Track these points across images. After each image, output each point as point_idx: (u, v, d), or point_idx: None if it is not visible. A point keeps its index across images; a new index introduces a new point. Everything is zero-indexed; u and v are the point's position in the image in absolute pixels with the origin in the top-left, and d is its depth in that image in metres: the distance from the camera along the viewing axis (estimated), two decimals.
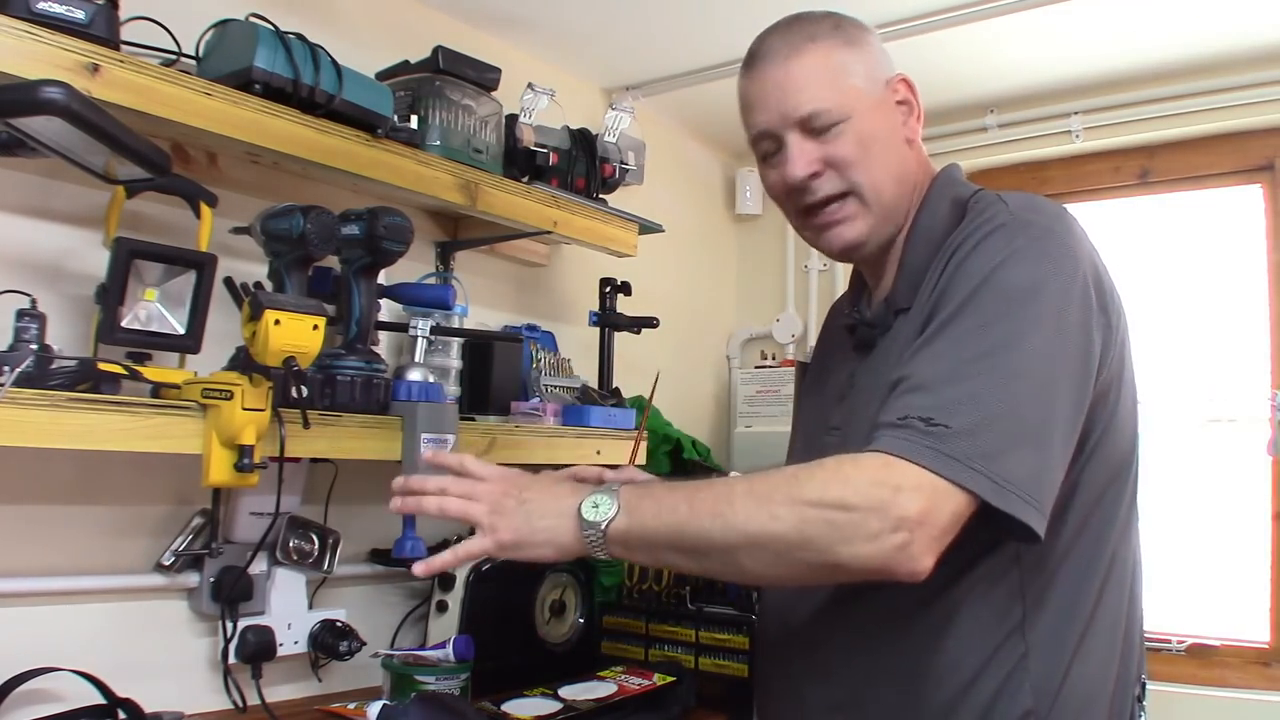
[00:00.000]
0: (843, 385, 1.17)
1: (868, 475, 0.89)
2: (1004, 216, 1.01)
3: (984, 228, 1.01)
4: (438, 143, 1.71)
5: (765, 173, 1.16)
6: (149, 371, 1.34)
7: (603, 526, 0.97)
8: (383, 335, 1.77)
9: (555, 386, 2.03)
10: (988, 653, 0.99)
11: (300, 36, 1.46)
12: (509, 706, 1.54)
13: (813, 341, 2.73)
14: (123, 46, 1.31)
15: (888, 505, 0.87)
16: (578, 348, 2.18)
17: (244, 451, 1.27)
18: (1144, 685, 1.09)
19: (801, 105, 1.09)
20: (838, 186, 1.10)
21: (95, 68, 1.23)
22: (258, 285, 1.39)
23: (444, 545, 1.81)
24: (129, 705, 1.37)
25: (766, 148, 1.14)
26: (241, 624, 1.56)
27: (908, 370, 0.96)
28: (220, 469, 1.27)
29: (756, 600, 1.83)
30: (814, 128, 1.09)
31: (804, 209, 1.13)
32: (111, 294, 1.34)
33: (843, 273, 2.71)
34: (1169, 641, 2.20)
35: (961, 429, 0.89)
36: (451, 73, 1.76)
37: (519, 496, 1.03)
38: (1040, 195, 1.09)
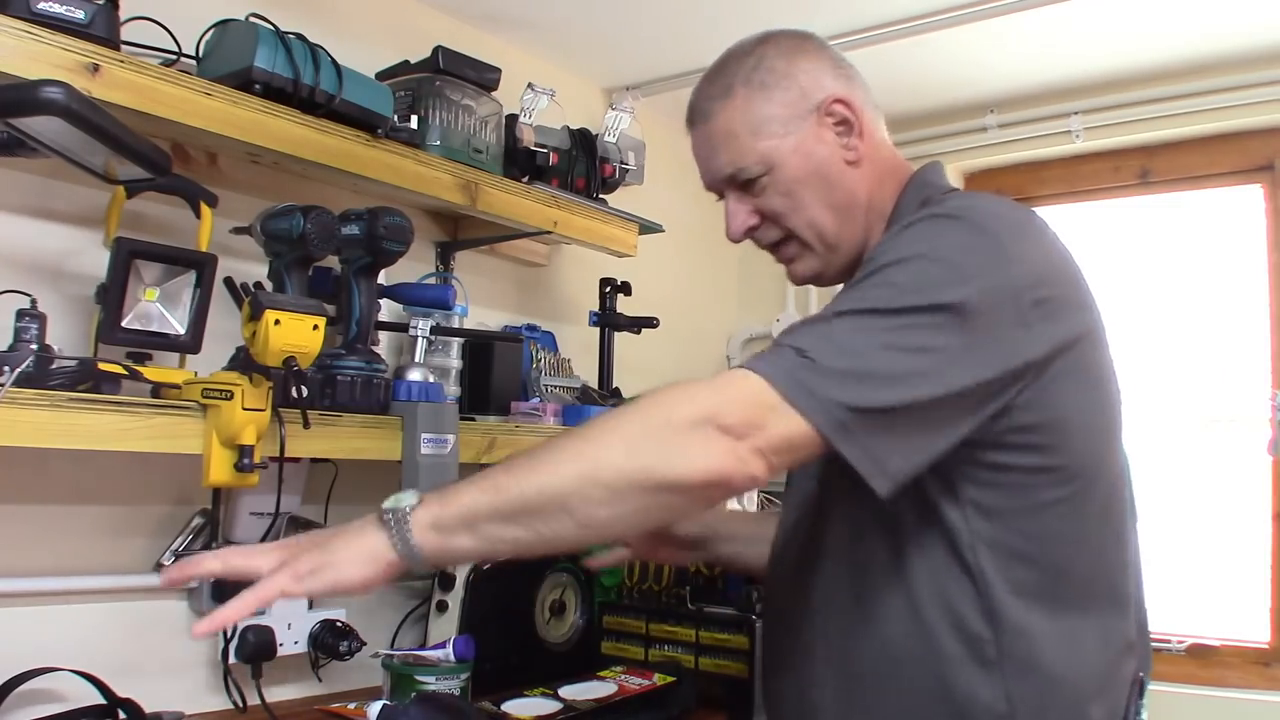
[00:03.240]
0: None
1: (710, 387, 0.91)
2: (943, 209, 1.00)
3: (919, 217, 1.00)
4: (438, 143, 1.71)
5: None
6: (149, 371, 1.34)
7: (407, 511, 0.89)
8: (383, 335, 1.77)
9: (555, 386, 2.03)
10: (954, 645, 0.99)
11: (300, 36, 1.46)
12: (509, 706, 1.54)
13: None
14: (123, 46, 1.31)
15: (719, 411, 0.88)
16: (578, 348, 2.18)
17: (244, 451, 1.27)
18: (1144, 684, 1.08)
19: (722, 168, 1.13)
20: (775, 235, 1.15)
21: (95, 68, 1.23)
22: (258, 285, 1.39)
23: None
24: (129, 705, 1.37)
25: (717, 195, 1.18)
26: (241, 624, 1.55)
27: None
28: (220, 469, 1.27)
29: (757, 600, 1.83)
30: (738, 183, 1.13)
31: (762, 248, 1.19)
32: (111, 294, 1.34)
33: None
34: (1169, 641, 2.20)
35: (827, 368, 0.89)
36: (451, 73, 1.76)
37: (311, 540, 0.93)
38: (996, 197, 1.08)
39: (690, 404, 0.90)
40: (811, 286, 2.75)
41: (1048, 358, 0.96)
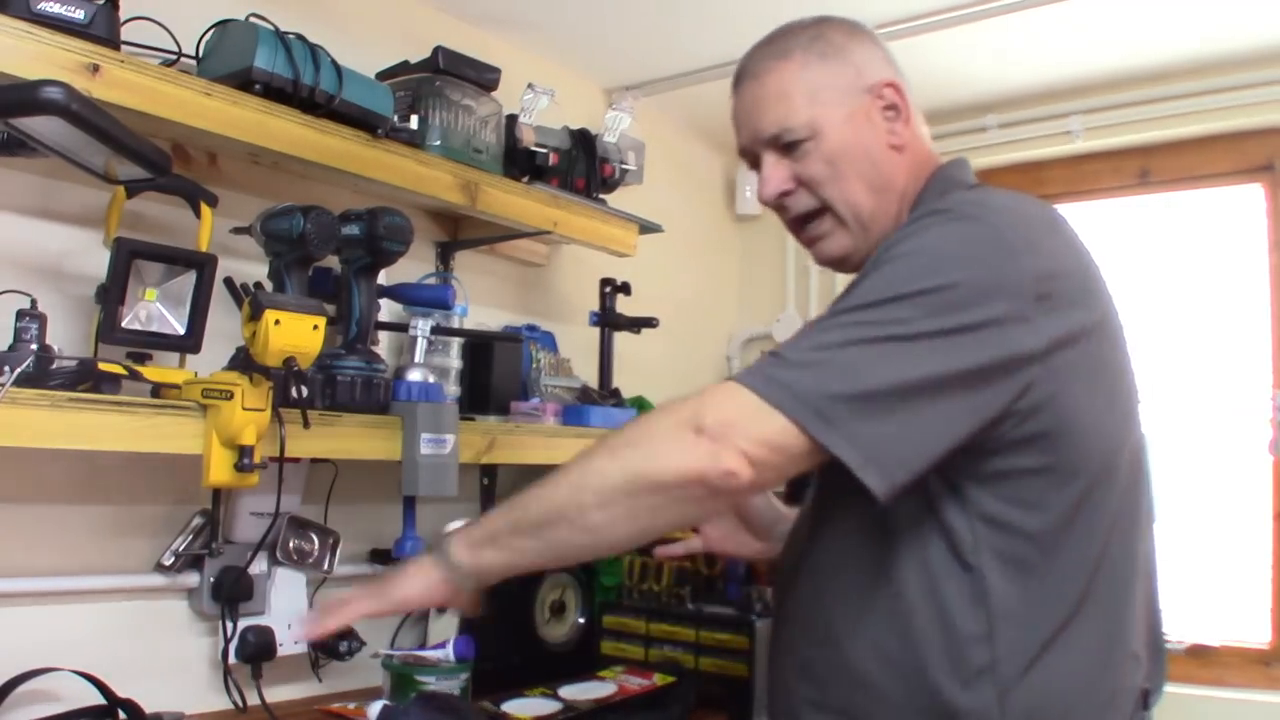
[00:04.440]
0: None
1: (694, 397, 0.95)
2: (944, 205, 1.01)
3: (922, 214, 1.01)
4: (438, 143, 1.71)
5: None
6: (149, 371, 1.34)
7: (447, 533, 1.04)
8: (383, 335, 1.77)
9: (555, 386, 2.03)
10: (946, 652, 0.97)
11: (300, 36, 1.46)
12: (509, 706, 1.54)
13: None
14: (123, 46, 1.31)
15: (697, 414, 0.92)
16: (578, 348, 2.18)
17: (244, 451, 1.27)
18: (1149, 697, 1.06)
19: (767, 127, 1.11)
20: (809, 204, 1.12)
21: (95, 68, 1.23)
22: (258, 285, 1.39)
23: None
24: (129, 705, 1.37)
25: (750, 163, 1.17)
26: (241, 624, 1.55)
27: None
28: (220, 469, 1.27)
29: (757, 599, 1.83)
30: (781, 145, 1.11)
31: (789, 223, 1.17)
32: (111, 294, 1.34)
33: (843, 274, 2.70)
34: (1169, 641, 2.19)
35: (796, 362, 0.92)
36: (451, 73, 1.76)
37: (392, 570, 1.12)
38: (1012, 193, 1.06)
39: (672, 412, 0.95)
40: (811, 288, 2.77)
41: (1047, 351, 0.94)
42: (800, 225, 1.15)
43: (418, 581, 1.05)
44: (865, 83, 1.12)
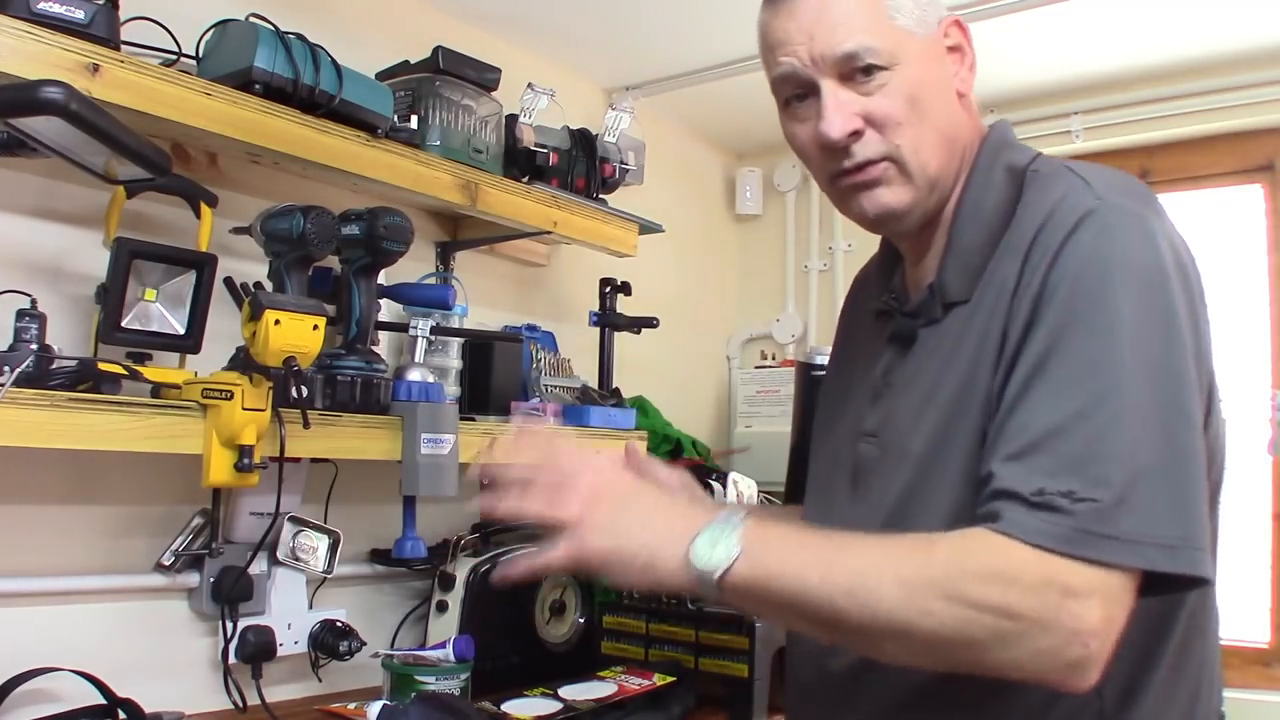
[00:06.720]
0: (876, 384, 1.01)
1: (1032, 575, 0.75)
2: (1089, 201, 0.86)
3: (1069, 216, 0.86)
4: (438, 143, 1.71)
5: (789, 125, 0.98)
6: (149, 371, 1.34)
7: (718, 574, 0.80)
8: (383, 335, 1.77)
9: (555, 386, 2.03)
10: (1055, 701, 0.86)
11: (300, 36, 1.46)
12: (509, 706, 1.54)
13: (813, 341, 2.72)
14: (123, 46, 1.31)
15: (1060, 617, 0.74)
16: (578, 348, 2.18)
17: (244, 451, 1.27)
18: (1222, 716, 0.98)
19: (841, 43, 0.91)
20: (878, 151, 0.93)
21: (95, 68, 1.23)
22: (258, 285, 1.39)
23: (444, 546, 1.82)
24: (129, 705, 1.37)
25: (790, 93, 0.96)
26: (241, 624, 1.55)
27: (1022, 419, 0.82)
28: (220, 469, 1.27)
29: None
30: (853, 71, 0.92)
31: (835, 172, 0.97)
32: (111, 294, 1.34)
33: (844, 273, 2.71)
34: None
35: (1113, 500, 0.76)
36: (451, 73, 1.76)
37: (620, 500, 0.85)
38: (1111, 167, 0.94)
39: (1047, 592, 0.75)
40: (811, 288, 2.77)
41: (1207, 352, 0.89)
42: (850, 171, 0.95)
43: (643, 581, 0.83)
44: (935, 15, 0.96)
